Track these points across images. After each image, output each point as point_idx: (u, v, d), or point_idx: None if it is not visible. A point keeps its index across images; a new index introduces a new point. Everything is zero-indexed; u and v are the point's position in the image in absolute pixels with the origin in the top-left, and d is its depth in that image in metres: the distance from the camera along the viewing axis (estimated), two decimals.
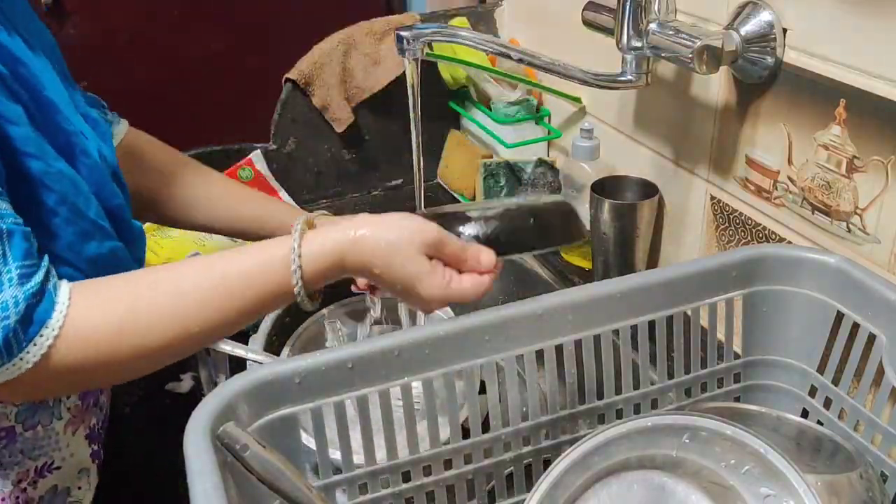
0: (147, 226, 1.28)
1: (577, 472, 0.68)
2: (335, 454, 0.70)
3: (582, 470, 0.68)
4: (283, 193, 1.38)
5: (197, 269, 0.69)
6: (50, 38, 0.81)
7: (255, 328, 0.99)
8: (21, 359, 0.62)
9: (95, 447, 0.83)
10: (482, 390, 0.75)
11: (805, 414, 0.82)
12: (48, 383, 0.65)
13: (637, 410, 0.81)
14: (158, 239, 1.26)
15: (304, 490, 0.60)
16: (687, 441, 0.67)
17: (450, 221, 0.74)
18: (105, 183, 0.76)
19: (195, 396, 0.93)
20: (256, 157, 1.32)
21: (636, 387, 0.81)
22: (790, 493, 0.63)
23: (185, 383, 0.97)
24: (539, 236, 0.76)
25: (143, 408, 0.94)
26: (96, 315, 0.65)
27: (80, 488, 0.81)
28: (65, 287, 0.65)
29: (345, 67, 1.32)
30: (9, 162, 0.65)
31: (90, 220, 0.72)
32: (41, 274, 0.64)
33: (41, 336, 0.62)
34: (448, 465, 0.76)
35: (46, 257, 0.66)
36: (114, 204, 0.76)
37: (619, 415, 0.81)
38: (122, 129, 0.93)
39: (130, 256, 0.79)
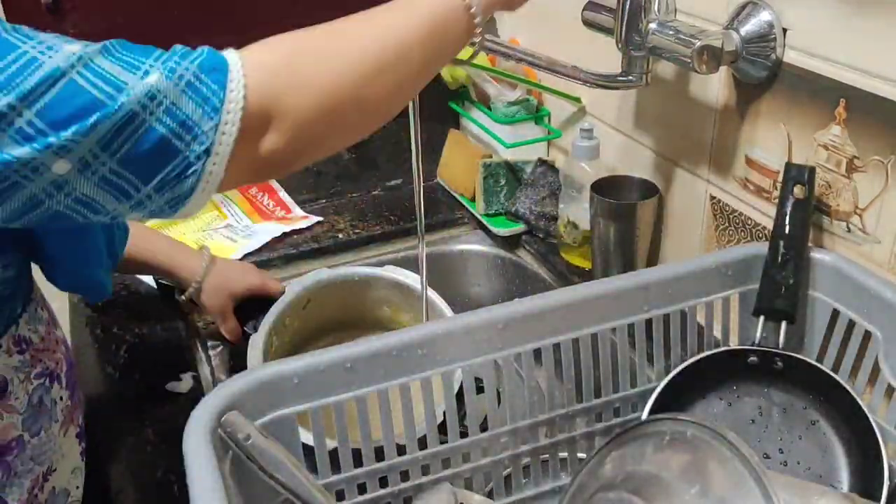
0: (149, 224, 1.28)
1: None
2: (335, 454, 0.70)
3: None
4: (282, 193, 1.38)
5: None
6: None
7: (254, 329, 0.99)
8: (228, 109, 0.55)
9: (84, 445, 0.83)
10: (480, 390, 0.75)
11: None
12: (286, 122, 0.58)
13: (635, 409, 0.82)
14: None
15: (304, 481, 0.60)
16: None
17: None
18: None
19: (195, 396, 0.93)
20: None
21: (633, 385, 0.81)
22: None
23: (185, 383, 0.97)
24: None
25: (142, 408, 0.94)
26: (270, 52, 0.60)
27: (77, 488, 0.81)
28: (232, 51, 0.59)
29: None
30: None
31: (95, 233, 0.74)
32: (179, 47, 0.57)
33: (231, 77, 0.56)
34: (446, 464, 0.76)
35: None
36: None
37: (617, 413, 0.81)
38: None
39: None
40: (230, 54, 0.57)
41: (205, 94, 0.55)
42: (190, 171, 0.55)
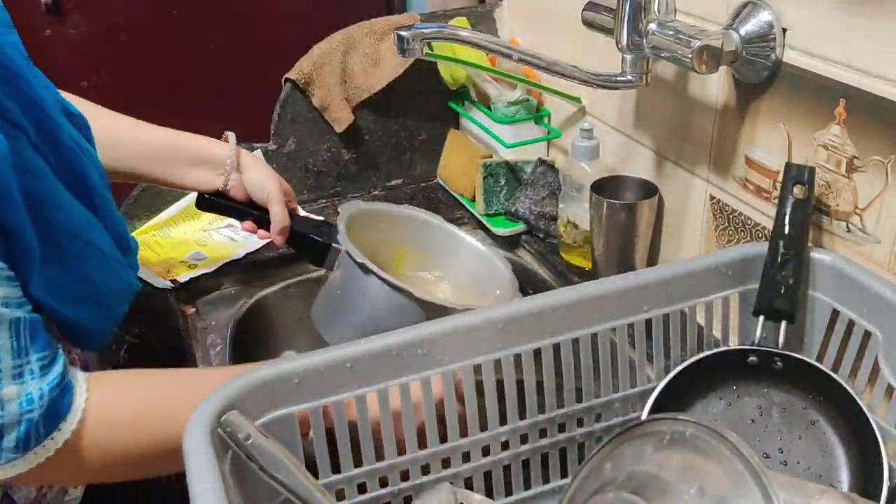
0: (147, 225, 1.29)
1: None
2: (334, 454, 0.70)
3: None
4: None
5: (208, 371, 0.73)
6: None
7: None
8: (35, 453, 0.61)
9: None
10: (480, 389, 0.75)
11: None
12: (63, 472, 0.65)
13: (634, 409, 0.82)
14: (159, 238, 1.26)
15: (304, 481, 0.60)
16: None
17: None
18: (110, 211, 0.76)
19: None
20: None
21: (633, 385, 0.81)
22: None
23: None
24: None
25: None
26: (114, 404, 0.65)
27: (75, 486, 0.82)
28: (81, 377, 0.65)
29: (345, 67, 1.33)
30: (37, 218, 0.64)
31: (105, 253, 0.72)
32: (60, 363, 0.63)
33: (59, 430, 0.62)
34: (446, 463, 0.76)
35: (58, 345, 0.65)
36: (116, 229, 0.77)
37: (617, 413, 0.81)
38: None
39: (131, 275, 0.80)
40: (76, 405, 0.64)
41: (29, 435, 0.61)
42: None
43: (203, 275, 1.18)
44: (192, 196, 1.06)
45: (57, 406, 0.62)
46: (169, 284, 1.15)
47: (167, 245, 1.25)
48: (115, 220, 0.77)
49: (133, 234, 1.24)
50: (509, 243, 1.28)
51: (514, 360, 0.74)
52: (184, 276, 1.17)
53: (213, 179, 0.99)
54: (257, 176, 1.01)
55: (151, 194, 1.28)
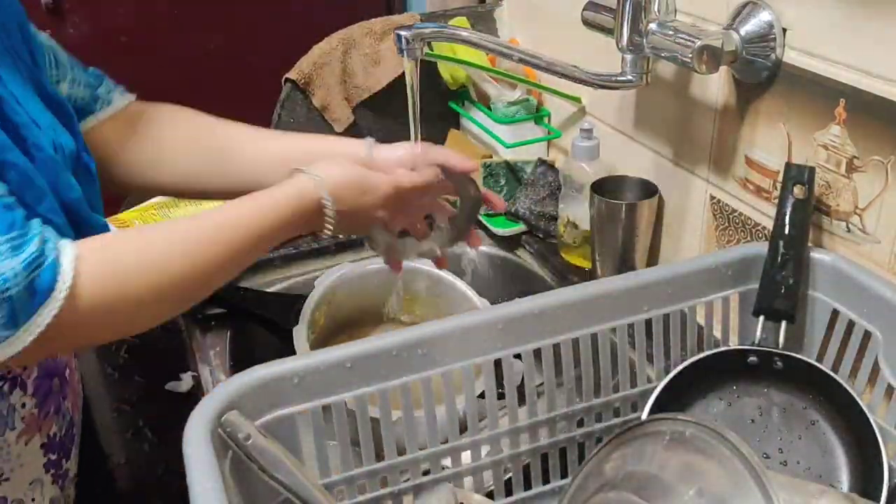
0: (149, 203, 1.28)
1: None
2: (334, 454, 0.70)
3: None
4: None
5: (205, 215, 0.72)
6: (15, 8, 0.75)
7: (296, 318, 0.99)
8: (26, 331, 0.60)
9: (53, 457, 0.79)
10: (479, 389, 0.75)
11: None
12: (59, 344, 0.64)
13: (634, 408, 0.82)
14: (158, 219, 1.26)
15: (304, 481, 0.60)
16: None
17: None
18: (59, 176, 0.72)
19: (195, 396, 0.93)
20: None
21: (633, 385, 0.81)
22: None
23: (185, 383, 0.98)
24: None
25: (142, 408, 0.94)
26: (103, 271, 0.64)
27: (33, 500, 0.78)
28: (69, 249, 0.63)
29: (345, 67, 1.32)
30: None
31: (39, 215, 0.68)
32: (35, 242, 0.61)
33: (46, 306, 0.61)
34: (446, 464, 0.76)
35: (38, 222, 0.64)
36: (71, 198, 0.73)
37: (616, 413, 0.81)
38: (119, 103, 0.88)
39: None
40: (61, 278, 0.62)
41: (14, 313, 0.60)
42: None
43: None
44: None
45: (38, 282, 0.61)
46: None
47: None
48: (67, 186, 0.74)
49: (133, 210, 1.25)
50: (509, 243, 1.28)
51: (513, 361, 0.74)
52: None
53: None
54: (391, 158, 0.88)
55: None
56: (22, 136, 0.69)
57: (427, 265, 1.07)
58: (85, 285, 0.63)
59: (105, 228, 0.78)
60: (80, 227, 0.74)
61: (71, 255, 0.63)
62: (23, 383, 0.75)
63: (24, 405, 0.75)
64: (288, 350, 0.92)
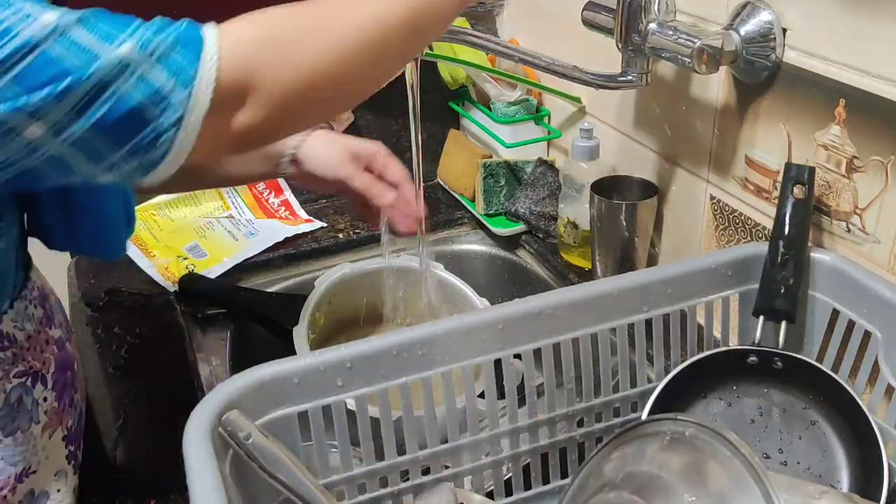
0: (149, 203, 1.28)
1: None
2: (334, 454, 0.70)
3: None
4: (288, 193, 1.37)
5: None
6: None
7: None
8: (198, 78, 0.56)
9: (72, 448, 0.81)
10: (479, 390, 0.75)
11: None
12: (255, 95, 0.58)
13: (634, 408, 0.82)
14: (158, 220, 1.26)
15: (305, 480, 0.60)
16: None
17: None
18: None
19: (195, 396, 0.93)
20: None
21: (633, 385, 0.81)
22: None
23: (185, 383, 0.97)
24: None
25: (142, 408, 0.94)
26: (250, 27, 0.60)
27: (58, 491, 0.79)
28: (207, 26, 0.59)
29: None
30: None
31: None
32: (161, 19, 0.58)
33: (206, 49, 0.56)
34: (446, 464, 0.76)
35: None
36: None
37: (616, 413, 0.81)
38: None
39: None
40: (208, 29, 0.58)
41: (178, 66, 0.56)
42: (161, 139, 0.56)
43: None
44: None
45: (183, 35, 0.57)
46: (172, 287, 1.15)
47: (167, 229, 1.25)
48: None
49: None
50: (509, 243, 1.28)
51: (514, 361, 0.74)
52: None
53: (267, 171, 0.93)
54: (322, 157, 0.91)
55: None
56: None
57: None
58: (237, 27, 0.59)
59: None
60: None
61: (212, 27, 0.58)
62: (43, 377, 0.76)
63: (45, 399, 0.76)
64: (288, 350, 0.92)
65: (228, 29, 0.59)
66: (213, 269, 1.18)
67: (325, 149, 0.94)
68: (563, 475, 0.81)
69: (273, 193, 1.37)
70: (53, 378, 0.78)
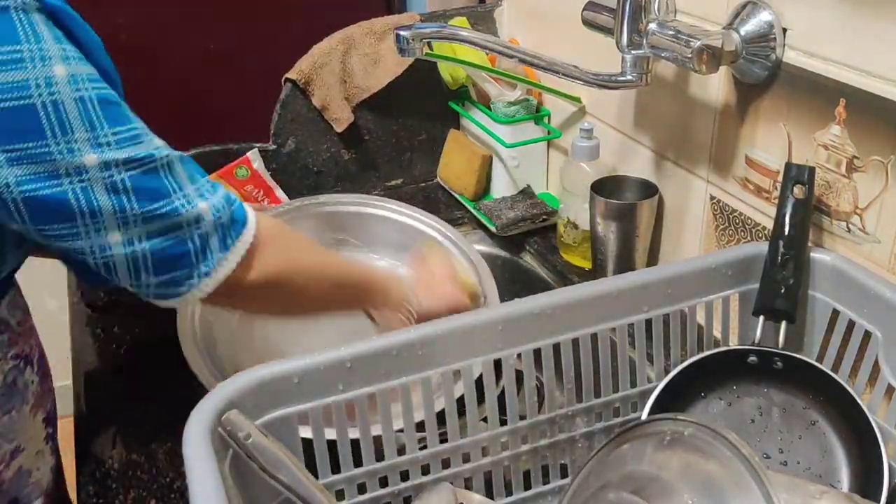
0: None
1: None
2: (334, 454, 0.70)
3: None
4: (279, 192, 1.37)
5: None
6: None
7: None
8: (233, 251, 0.70)
9: (50, 430, 0.86)
10: (479, 390, 0.75)
11: None
12: (252, 281, 0.73)
13: (635, 409, 0.82)
14: None
15: (304, 480, 0.60)
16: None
17: None
18: None
19: (195, 396, 0.93)
20: (253, 155, 1.32)
21: (633, 385, 0.81)
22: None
23: (184, 382, 0.97)
24: None
25: (142, 408, 0.94)
26: (275, 225, 0.76)
27: (38, 469, 0.84)
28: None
29: (345, 67, 1.32)
30: None
31: None
32: (219, 185, 0.72)
33: (245, 230, 0.71)
34: (446, 464, 0.76)
35: None
36: None
37: (617, 413, 0.81)
38: None
39: None
40: (250, 214, 0.73)
41: (227, 236, 0.70)
42: (189, 281, 0.69)
43: None
44: None
45: (236, 214, 0.71)
46: None
47: None
48: None
49: None
50: (509, 243, 1.28)
51: (514, 361, 0.74)
52: None
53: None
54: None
55: None
56: None
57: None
58: (265, 226, 0.74)
59: None
60: None
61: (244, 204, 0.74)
62: (31, 362, 0.82)
63: (32, 382, 0.82)
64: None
65: (262, 223, 0.74)
66: None
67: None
68: (563, 475, 0.81)
69: (261, 192, 1.36)
70: (38, 363, 0.83)
